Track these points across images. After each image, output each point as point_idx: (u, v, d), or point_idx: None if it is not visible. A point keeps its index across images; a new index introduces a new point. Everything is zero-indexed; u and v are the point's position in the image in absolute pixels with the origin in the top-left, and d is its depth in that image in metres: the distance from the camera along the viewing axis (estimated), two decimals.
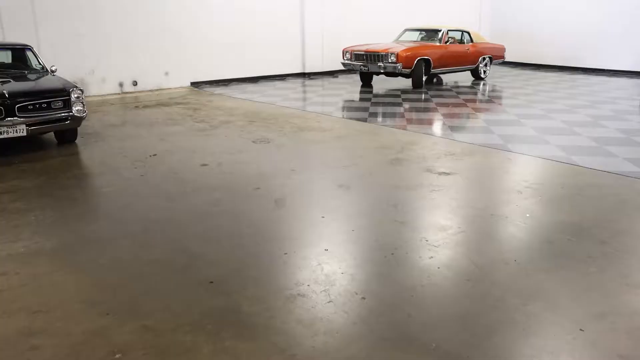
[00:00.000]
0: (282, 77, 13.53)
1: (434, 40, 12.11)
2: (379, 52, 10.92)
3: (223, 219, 4.14)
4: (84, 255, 3.52)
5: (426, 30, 12.64)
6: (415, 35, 12.73)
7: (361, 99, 10.22)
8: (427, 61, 11.38)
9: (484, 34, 17.96)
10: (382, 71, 10.98)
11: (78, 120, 6.36)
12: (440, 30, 12.14)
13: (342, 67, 12.08)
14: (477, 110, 9.03)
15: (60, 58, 9.52)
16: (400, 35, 12.80)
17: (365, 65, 11.12)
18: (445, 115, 8.42)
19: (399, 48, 10.93)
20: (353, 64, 11.48)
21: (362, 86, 11.90)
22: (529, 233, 3.88)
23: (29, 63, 7.11)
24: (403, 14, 15.21)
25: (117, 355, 2.45)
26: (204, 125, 7.69)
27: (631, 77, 13.72)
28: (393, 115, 8.50)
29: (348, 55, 11.57)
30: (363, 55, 11.15)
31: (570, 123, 7.83)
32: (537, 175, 5.28)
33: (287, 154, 6.08)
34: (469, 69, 12.87)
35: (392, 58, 10.71)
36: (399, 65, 10.70)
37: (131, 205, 4.49)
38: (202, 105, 9.49)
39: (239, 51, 12.49)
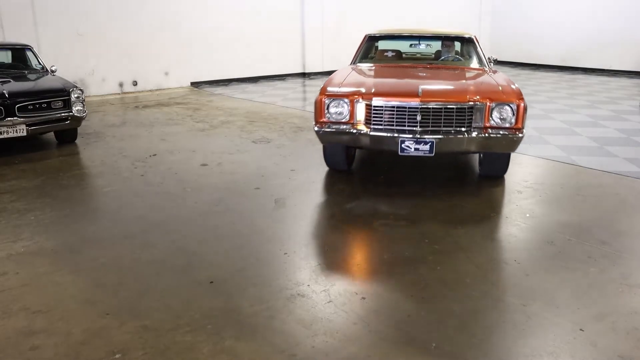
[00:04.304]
0: (282, 77, 13.53)
1: (473, 60, 6.01)
2: (473, 101, 4.47)
3: (223, 219, 4.13)
4: (84, 255, 3.52)
5: (431, 37, 6.33)
6: (404, 46, 6.50)
7: None
8: None
9: (484, 34, 17.99)
10: (467, 150, 4.63)
11: (78, 120, 6.36)
12: (472, 40, 6.16)
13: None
14: None
15: (60, 58, 9.52)
16: (369, 50, 6.32)
17: (417, 138, 4.41)
18: None
19: (505, 87, 4.78)
20: (374, 134, 4.55)
21: (331, 172, 5.32)
22: (529, 233, 3.88)
23: (29, 63, 7.11)
24: (403, 14, 15.21)
25: (117, 355, 2.44)
26: (203, 125, 7.69)
27: (631, 77, 13.72)
28: None
29: (342, 110, 4.68)
30: (418, 109, 4.42)
31: (570, 123, 7.83)
32: (537, 175, 5.28)
33: (287, 154, 6.08)
34: None
35: (504, 114, 4.53)
36: (520, 135, 4.58)
37: (131, 205, 4.49)
38: (202, 105, 9.49)
39: (239, 51, 12.48)
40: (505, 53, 17.67)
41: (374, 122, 4.56)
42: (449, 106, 4.43)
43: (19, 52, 7.18)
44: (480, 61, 5.91)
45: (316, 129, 4.77)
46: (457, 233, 3.85)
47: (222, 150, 6.27)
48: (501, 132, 4.50)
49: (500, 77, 5.15)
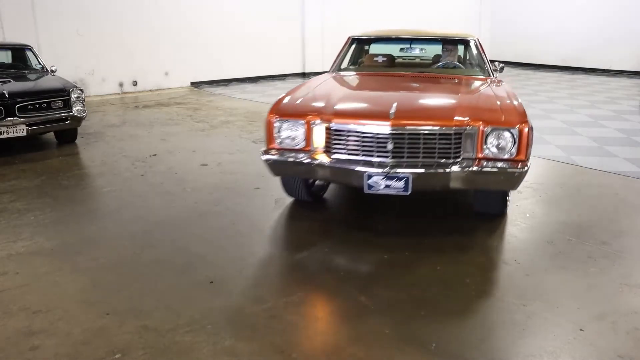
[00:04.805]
0: (282, 77, 13.53)
1: (474, 68, 5.08)
2: (462, 125, 3.44)
3: (223, 219, 4.13)
4: (84, 255, 3.51)
5: (424, 39, 5.44)
6: (393, 50, 5.65)
7: None
8: None
9: (485, 35, 17.99)
10: (453, 187, 3.51)
11: (78, 120, 6.36)
12: (474, 43, 5.22)
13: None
14: None
15: (60, 58, 9.52)
16: (355, 55, 5.73)
17: (388, 173, 3.38)
18: None
19: (505, 104, 3.85)
20: (334, 166, 3.55)
21: (296, 203, 4.46)
22: (529, 233, 3.88)
23: (29, 63, 7.11)
24: (404, 15, 15.20)
25: (117, 355, 2.44)
26: (203, 125, 7.69)
27: (631, 77, 13.72)
28: None
29: (297, 134, 3.68)
30: (389, 135, 3.40)
31: (570, 123, 7.83)
32: (537, 175, 5.28)
33: None
34: None
35: (502, 141, 3.49)
36: (523, 169, 3.49)
37: (131, 205, 4.49)
38: (202, 105, 9.49)
39: (238, 51, 12.48)
40: (505, 53, 17.68)
41: (335, 151, 3.55)
42: (429, 131, 3.40)
43: (19, 52, 7.18)
44: (482, 68, 4.92)
45: (264, 158, 3.71)
46: (457, 233, 3.84)
47: (222, 150, 6.27)
48: (498, 165, 3.44)
49: (502, 91, 4.16)
